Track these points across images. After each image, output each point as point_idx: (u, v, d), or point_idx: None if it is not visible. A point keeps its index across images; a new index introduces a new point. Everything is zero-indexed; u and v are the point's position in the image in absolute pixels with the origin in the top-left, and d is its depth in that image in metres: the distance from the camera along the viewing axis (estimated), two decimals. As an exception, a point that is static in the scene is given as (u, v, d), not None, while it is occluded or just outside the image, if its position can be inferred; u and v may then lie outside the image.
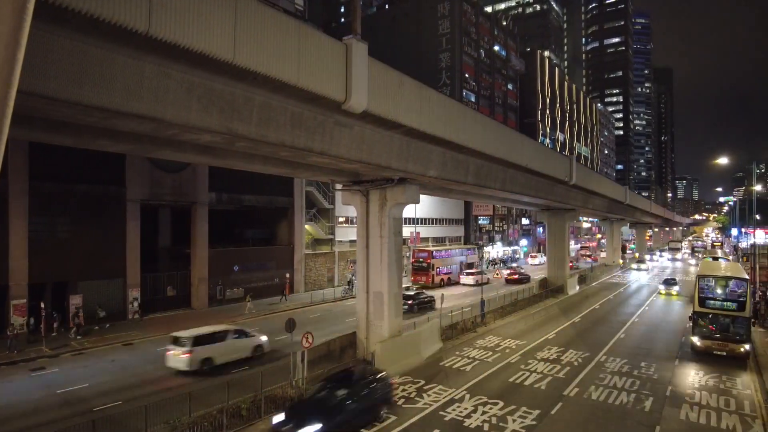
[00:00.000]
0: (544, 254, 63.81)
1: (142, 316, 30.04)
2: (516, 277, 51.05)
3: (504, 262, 73.65)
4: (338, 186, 23.75)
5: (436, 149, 20.46)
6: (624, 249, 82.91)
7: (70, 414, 15.62)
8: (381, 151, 17.64)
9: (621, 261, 73.14)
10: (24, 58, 3.86)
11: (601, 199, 50.21)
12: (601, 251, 77.22)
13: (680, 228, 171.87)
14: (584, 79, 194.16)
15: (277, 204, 40.47)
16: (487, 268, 61.99)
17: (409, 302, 32.49)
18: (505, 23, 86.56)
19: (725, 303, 22.64)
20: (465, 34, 71.92)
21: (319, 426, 12.72)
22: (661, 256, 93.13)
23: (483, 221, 75.73)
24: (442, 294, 29.22)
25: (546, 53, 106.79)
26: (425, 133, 17.99)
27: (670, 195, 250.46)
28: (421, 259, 47.19)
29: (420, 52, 71.22)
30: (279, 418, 13.61)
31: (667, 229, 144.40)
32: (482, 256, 58.09)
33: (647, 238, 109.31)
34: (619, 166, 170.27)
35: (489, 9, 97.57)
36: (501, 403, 16.57)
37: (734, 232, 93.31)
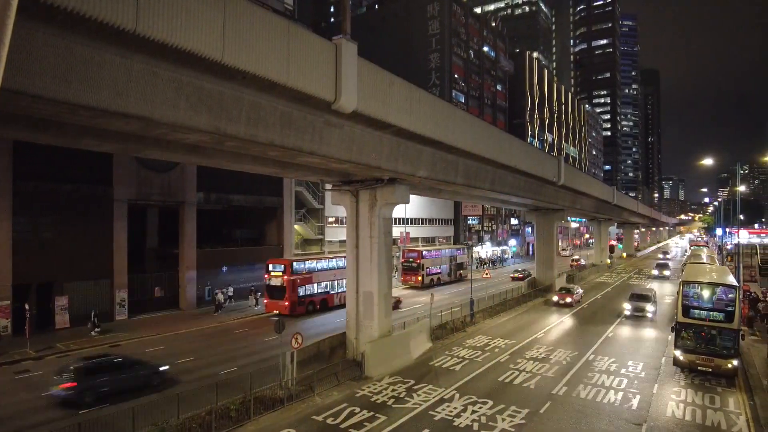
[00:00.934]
0: (532, 255, 64.13)
1: (130, 317, 29.71)
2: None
3: (493, 262, 73.98)
4: (328, 186, 23.71)
5: (426, 149, 20.50)
6: (612, 249, 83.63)
7: (57, 416, 15.41)
8: (371, 152, 17.63)
9: (609, 261, 73.80)
10: (8, 56, 3.80)
11: (589, 199, 50.65)
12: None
13: (667, 228, 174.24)
14: (572, 81, 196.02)
15: (266, 204, 40.28)
16: (476, 268, 62.22)
17: None
18: (494, 24, 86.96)
19: (711, 313, 20.17)
20: (454, 35, 72.17)
21: None
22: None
23: (472, 221, 76.04)
24: (432, 294, 29.29)
25: (535, 54, 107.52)
26: (415, 133, 18.02)
27: (656, 195, 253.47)
28: (411, 259, 47.21)
29: (410, 52, 71.31)
30: None
31: (654, 229, 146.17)
32: (472, 255, 58.48)
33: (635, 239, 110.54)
34: (607, 167, 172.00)
35: (478, 10, 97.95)
36: (490, 403, 16.64)
37: (719, 232, 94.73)
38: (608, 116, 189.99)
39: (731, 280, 22.68)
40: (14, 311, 24.88)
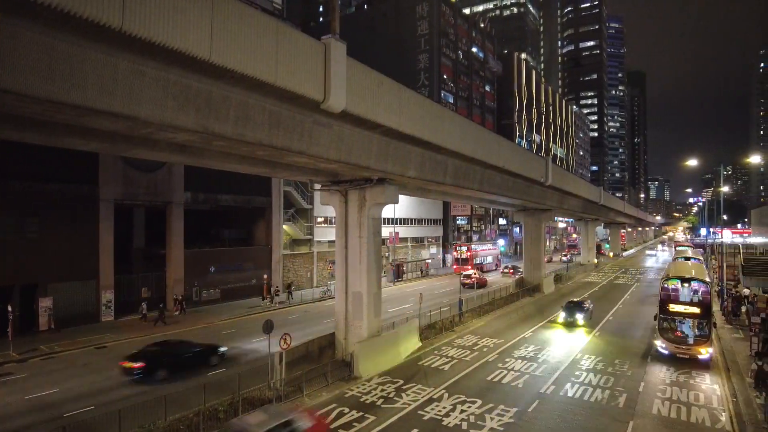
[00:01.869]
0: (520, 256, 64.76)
1: (116, 318, 29.37)
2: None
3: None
4: (317, 186, 23.64)
5: (415, 150, 20.54)
6: (599, 248, 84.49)
7: (39, 420, 15.19)
8: (360, 151, 17.63)
9: (596, 260, 74.54)
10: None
11: (577, 199, 51.11)
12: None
13: (653, 228, 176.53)
14: (560, 82, 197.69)
15: (255, 204, 40.06)
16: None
17: None
18: (482, 25, 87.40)
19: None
20: (443, 36, 72.39)
21: None
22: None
23: (461, 221, 76.30)
24: (420, 294, 29.36)
25: (523, 55, 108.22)
26: (404, 133, 18.05)
27: (642, 196, 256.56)
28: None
29: (399, 52, 71.41)
30: None
31: (640, 229, 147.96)
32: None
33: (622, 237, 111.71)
34: (594, 168, 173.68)
35: (467, 11, 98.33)
36: (479, 402, 16.72)
37: (703, 231, 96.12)
38: (595, 117, 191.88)
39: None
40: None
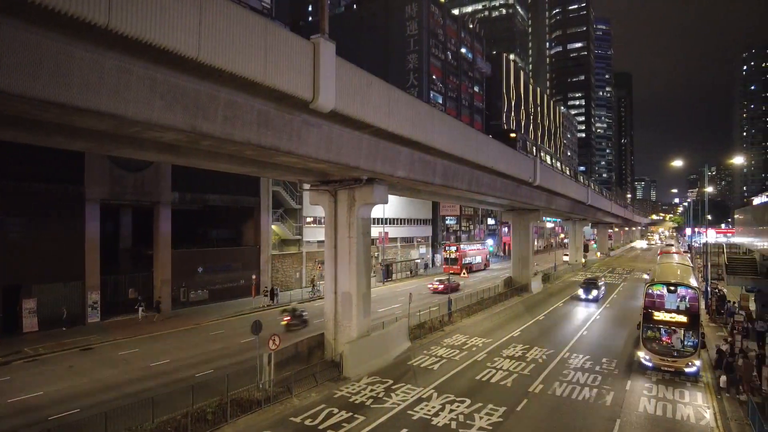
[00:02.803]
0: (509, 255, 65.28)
1: (103, 319, 29.02)
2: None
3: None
4: (306, 186, 23.57)
5: (404, 150, 20.57)
6: (586, 248, 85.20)
7: (23, 423, 14.95)
8: (349, 151, 17.61)
9: (583, 260, 75.19)
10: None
11: (564, 199, 51.51)
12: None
13: (639, 228, 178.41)
14: (548, 83, 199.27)
15: (243, 204, 39.81)
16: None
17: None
18: (471, 26, 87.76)
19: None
20: (432, 36, 72.54)
21: None
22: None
23: (450, 221, 76.55)
24: (410, 294, 29.40)
25: (511, 56, 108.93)
26: (394, 133, 18.06)
27: (629, 196, 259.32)
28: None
29: (388, 52, 71.48)
30: None
31: (627, 229, 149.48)
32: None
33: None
34: (582, 168, 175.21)
35: (456, 11, 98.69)
36: (468, 401, 16.79)
37: (688, 231, 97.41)
38: (583, 118, 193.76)
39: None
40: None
